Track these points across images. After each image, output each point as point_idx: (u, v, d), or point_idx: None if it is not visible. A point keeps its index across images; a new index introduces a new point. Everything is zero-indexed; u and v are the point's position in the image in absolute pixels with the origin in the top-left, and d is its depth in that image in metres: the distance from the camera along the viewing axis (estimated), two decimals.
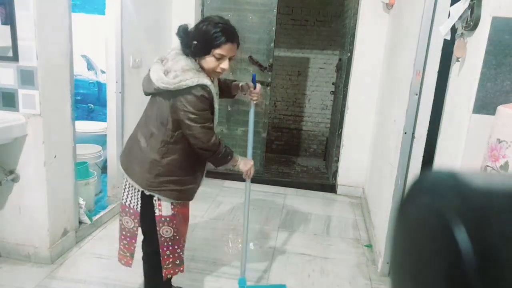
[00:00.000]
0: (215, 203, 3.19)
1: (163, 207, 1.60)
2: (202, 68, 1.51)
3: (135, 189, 1.60)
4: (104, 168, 3.06)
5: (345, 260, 2.43)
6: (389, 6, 3.15)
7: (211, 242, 2.55)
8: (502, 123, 1.18)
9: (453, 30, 1.59)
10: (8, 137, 1.97)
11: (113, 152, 2.85)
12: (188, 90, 1.45)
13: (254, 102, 1.83)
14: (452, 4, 1.60)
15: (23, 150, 2.05)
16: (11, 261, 2.15)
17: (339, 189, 3.68)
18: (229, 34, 1.49)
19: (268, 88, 3.68)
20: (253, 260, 2.38)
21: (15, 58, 1.95)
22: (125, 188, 1.65)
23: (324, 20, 4.81)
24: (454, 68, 1.62)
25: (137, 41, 2.91)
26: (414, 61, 2.00)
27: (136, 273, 2.13)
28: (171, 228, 1.63)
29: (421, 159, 2.03)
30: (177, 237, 1.68)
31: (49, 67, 2.02)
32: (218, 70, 1.52)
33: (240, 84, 1.82)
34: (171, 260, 1.69)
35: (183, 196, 1.64)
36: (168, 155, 1.55)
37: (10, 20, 1.91)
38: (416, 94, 2.01)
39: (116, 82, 2.72)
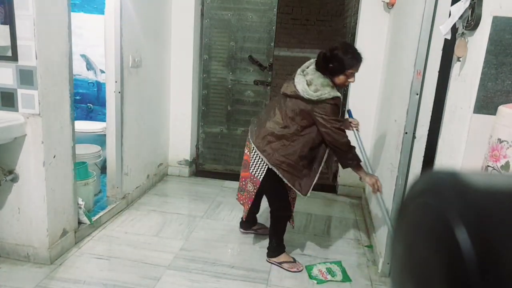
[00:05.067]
0: (215, 203, 3.18)
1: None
2: (333, 83, 2.03)
3: (263, 163, 2.11)
4: (103, 168, 3.05)
5: (346, 261, 2.42)
6: (389, 6, 3.14)
7: (211, 243, 2.54)
8: (503, 123, 1.17)
9: (454, 29, 1.58)
10: (7, 137, 1.96)
11: (112, 152, 2.82)
12: (327, 101, 1.98)
13: (355, 129, 2.42)
14: (452, 3, 1.60)
15: (22, 150, 2.04)
16: (10, 262, 2.14)
17: (340, 190, 3.67)
18: (358, 57, 2.01)
19: (268, 88, 3.67)
20: (253, 261, 2.37)
21: (14, 57, 1.94)
22: (254, 160, 2.16)
23: (325, 19, 4.81)
24: (455, 67, 1.61)
25: (136, 40, 2.90)
26: (415, 61, 1.99)
27: (135, 273, 2.13)
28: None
29: (422, 159, 2.02)
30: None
31: (48, 66, 2.01)
32: (347, 83, 2.07)
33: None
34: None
35: (300, 184, 2.10)
36: (294, 143, 2.06)
37: (9, 20, 1.91)
38: (417, 94, 2.01)
39: (116, 81, 2.71)
